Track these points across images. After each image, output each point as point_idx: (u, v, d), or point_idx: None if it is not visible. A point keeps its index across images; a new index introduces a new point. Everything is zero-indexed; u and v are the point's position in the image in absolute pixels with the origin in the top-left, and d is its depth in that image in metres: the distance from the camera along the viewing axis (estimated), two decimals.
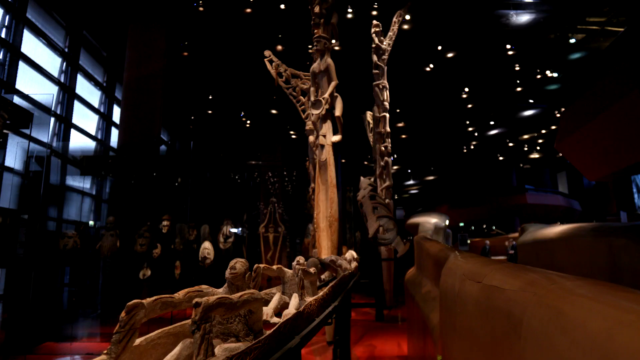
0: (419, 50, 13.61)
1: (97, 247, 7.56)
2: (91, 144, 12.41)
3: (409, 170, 32.01)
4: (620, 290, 0.88)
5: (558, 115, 19.28)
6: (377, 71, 9.37)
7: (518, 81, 16.42)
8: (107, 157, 12.83)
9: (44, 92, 9.88)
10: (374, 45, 9.43)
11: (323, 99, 4.39)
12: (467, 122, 20.87)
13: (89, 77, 12.25)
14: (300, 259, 2.15)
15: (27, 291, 6.37)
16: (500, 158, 28.27)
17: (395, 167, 27.80)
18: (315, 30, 4.49)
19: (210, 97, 16.23)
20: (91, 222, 11.15)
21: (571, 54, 14.46)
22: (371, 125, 10.11)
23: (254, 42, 12.21)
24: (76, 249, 7.06)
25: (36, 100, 8.03)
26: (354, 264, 3.54)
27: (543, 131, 22.33)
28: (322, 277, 3.14)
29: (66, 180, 10.47)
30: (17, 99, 7.31)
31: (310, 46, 4.69)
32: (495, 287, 1.33)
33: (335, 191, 4.32)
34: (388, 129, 9.30)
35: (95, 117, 12.65)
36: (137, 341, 1.27)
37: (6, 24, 8.80)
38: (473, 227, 28.89)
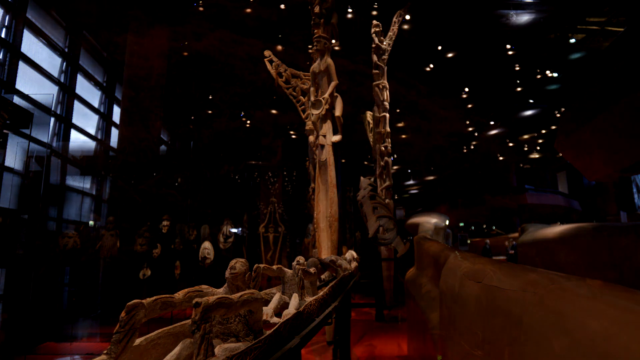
0: (419, 50, 13.61)
1: (97, 247, 7.57)
2: (91, 144, 12.40)
3: (409, 170, 32.00)
4: (620, 290, 0.88)
5: (558, 115, 19.28)
6: (377, 71, 9.38)
7: (518, 81, 16.41)
8: (107, 157, 12.83)
9: (44, 92, 9.88)
10: (374, 45, 9.44)
11: (323, 99, 4.39)
12: (467, 122, 20.86)
13: (89, 77, 12.24)
14: (300, 259, 2.15)
15: (27, 291, 6.37)
16: (500, 158, 28.26)
17: (395, 167, 27.78)
18: (315, 30, 4.49)
19: (210, 97, 16.23)
20: (91, 222, 11.15)
21: (571, 54, 14.46)
22: (371, 125, 10.11)
23: (254, 42, 12.21)
24: (76, 249, 7.06)
25: (36, 100, 8.03)
26: (354, 264, 3.54)
27: (543, 131, 22.32)
28: (322, 277, 3.14)
29: (66, 180, 10.47)
30: (17, 99, 7.31)
31: (310, 46, 4.69)
32: (495, 287, 1.33)
33: (335, 191, 4.32)
34: (388, 129, 9.31)
35: (95, 117, 12.64)
36: (137, 341, 1.28)
37: (6, 24, 8.80)
38: (473, 227, 28.89)
